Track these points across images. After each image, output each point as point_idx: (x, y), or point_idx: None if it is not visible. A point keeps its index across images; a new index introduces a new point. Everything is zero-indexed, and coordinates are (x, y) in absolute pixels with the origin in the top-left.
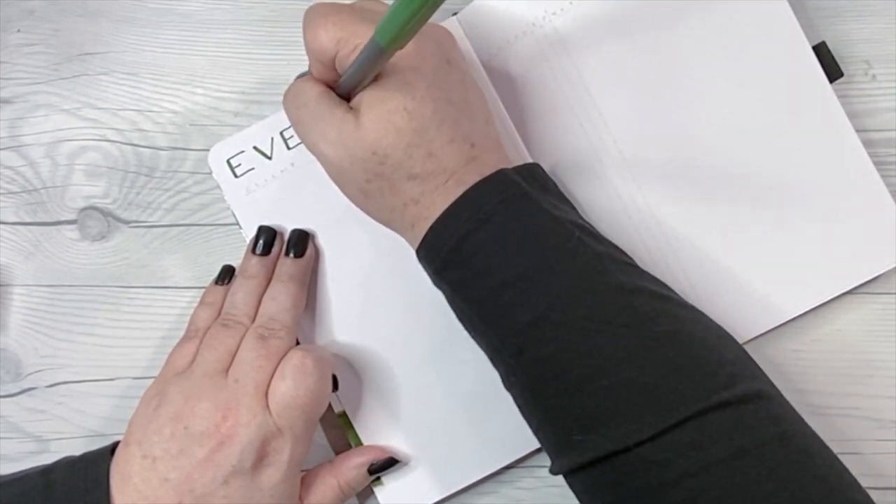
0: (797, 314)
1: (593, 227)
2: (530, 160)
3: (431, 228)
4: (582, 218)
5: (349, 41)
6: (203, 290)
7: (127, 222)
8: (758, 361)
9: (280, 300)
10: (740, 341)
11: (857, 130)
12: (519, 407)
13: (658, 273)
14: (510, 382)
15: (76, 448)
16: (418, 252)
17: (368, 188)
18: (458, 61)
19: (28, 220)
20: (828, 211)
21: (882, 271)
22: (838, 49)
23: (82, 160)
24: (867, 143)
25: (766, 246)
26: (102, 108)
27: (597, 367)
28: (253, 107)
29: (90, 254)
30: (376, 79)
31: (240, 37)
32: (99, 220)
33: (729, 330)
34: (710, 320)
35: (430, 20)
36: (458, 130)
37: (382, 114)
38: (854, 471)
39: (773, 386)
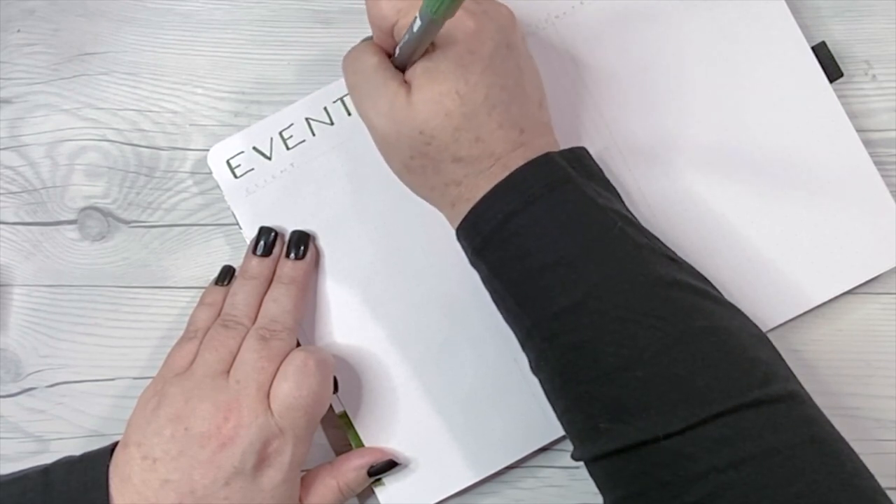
0: (797, 314)
1: (636, 219)
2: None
3: (474, 208)
4: (626, 208)
5: (409, 12)
6: (203, 290)
7: (127, 222)
8: None
9: (281, 302)
10: None
11: (857, 130)
12: (545, 391)
13: None
14: (539, 366)
15: (76, 448)
16: (458, 230)
17: (412, 164)
18: (517, 44)
19: (28, 220)
20: (828, 211)
21: (882, 271)
22: (838, 49)
23: (82, 160)
24: (867, 143)
25: (765, 246)
26: (102, 108)
27: (630, 357)
28: (253, 107)
29: (90, 254)
30: (433, 52)
31: (240, 37)
32: (99, 220)
33: None
34: (748, 319)
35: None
36: (509, 116)
37: (434, 95)
38: None
39: (804, 388)
